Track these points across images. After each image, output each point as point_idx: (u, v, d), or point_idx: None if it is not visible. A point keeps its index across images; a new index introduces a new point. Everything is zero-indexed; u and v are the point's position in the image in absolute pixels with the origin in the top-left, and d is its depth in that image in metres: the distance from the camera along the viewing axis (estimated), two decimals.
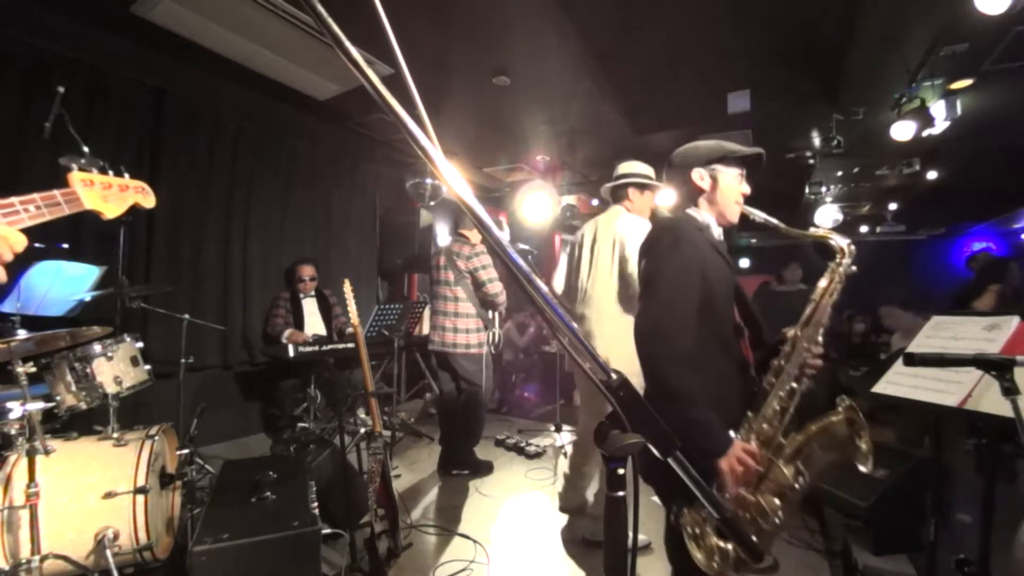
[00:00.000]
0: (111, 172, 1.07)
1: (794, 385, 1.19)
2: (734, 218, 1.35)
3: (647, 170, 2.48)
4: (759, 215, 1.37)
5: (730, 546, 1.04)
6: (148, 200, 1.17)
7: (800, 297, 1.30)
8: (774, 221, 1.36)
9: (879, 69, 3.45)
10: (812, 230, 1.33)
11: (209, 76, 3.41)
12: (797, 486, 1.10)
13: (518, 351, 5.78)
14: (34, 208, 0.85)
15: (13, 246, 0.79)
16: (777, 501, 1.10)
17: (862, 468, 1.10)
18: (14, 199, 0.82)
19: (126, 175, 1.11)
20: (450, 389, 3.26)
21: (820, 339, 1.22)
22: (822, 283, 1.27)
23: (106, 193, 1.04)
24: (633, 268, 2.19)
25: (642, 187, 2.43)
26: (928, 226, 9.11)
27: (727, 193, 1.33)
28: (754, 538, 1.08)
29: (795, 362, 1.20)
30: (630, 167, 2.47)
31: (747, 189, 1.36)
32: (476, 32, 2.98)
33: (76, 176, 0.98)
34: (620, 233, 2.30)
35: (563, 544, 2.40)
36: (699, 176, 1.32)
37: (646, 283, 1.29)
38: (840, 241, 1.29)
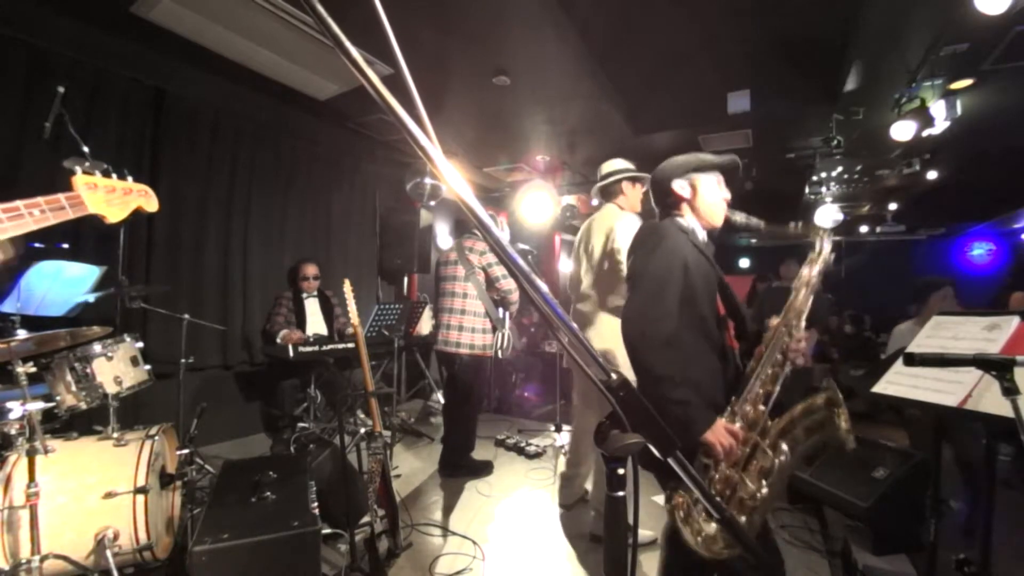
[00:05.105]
0: (114, 175, 1.06)
1: (776, 369, 1.26)
2: (718, 221, 1.45)
3: (630, 165, 2.50)
4: (740, 217, 1.46)
5: (714, 527, 1.11)
6: (151, 204, 1.15)
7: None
8: (755, 221, 1.45)
9: (879, 69, 3.45)
10: (791, 225, 1.42)
11: (209, 76, 3.40)
12: (778, 462, 1.17)
13: (517, 351, 5.76)
14: (39, 212, 0.83)
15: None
16: (762, 480, 1.16)
17: (845, 447, 1.15)
18: (19, 203, 0.81)
19: (129, 178, 1.09)
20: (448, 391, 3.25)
21: (802, 325, 1.30)
22: (803, 271, 1.37)
23: (110, 197, 1.02)
24: (622, 259, 2.21)
25: (633, 180, 2.45)
26: (928, 226, 9.10)
27: (708, 197, 1.43)
28: (743, 519, 1.15)
29: (775, 346, 1.27)
30: (615, 164, 2.49)
31: (727, 194, 1.46)
32: (476, 32, 2.98)
33: (80, 179, 0.96)
34: (613, 228, 2.32)
35: (566, 537, 2.41)
36: (679, 186, 1.43)
37: (632, 279, 1.39)
38: (819, 230, 1.38)
